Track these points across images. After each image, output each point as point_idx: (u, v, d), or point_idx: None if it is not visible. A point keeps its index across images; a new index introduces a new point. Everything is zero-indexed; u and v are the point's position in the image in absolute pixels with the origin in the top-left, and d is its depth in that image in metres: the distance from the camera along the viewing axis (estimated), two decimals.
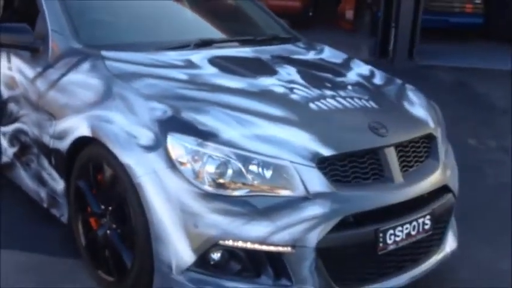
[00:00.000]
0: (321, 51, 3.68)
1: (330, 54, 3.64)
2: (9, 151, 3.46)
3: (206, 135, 2.43)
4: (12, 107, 3.38)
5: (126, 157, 2.50)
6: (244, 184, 2.40)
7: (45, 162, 3.09)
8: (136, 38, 3.32)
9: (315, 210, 2.40)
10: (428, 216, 2.70)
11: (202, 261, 2.41)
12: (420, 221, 2.67)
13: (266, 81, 2.90)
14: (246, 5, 4.15)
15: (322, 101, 2.77)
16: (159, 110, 2.54)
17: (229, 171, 2.40)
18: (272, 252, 2.40)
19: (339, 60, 3.53)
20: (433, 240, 2.83)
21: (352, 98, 2.87)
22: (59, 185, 3.02)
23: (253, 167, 2.41)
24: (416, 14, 8.35)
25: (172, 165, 2.40)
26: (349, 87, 3.00)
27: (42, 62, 3.15)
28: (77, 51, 3.03)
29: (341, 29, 12.12)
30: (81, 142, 2.76)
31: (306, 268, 2.41)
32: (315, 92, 2.84)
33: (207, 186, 2.38)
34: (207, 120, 2.50)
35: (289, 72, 3.06)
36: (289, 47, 3.61)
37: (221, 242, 2.37)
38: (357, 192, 2.51)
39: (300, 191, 2.42)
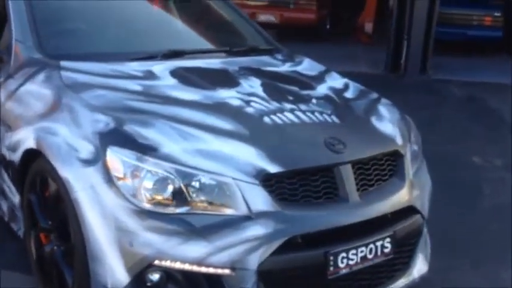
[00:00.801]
0: (299, 63, 3.55)
1: (306, 66, 3.51)
2: None
3: (145, 149, 2.32)
4: None
5: (64, 171, 2.41)
6: (184, 201, 2.28)
7: (5, 175, 3.03)
8: (106, 48, 3.24)
9: (257, 230, 2.27)
10: (388, 239, 2.53)
11: (138, 282, 2.29)
12: (378, 243, 2.50)
13: (223, 94, 2.78)
14: (229, 15, 4.05)
15: (279, 114, 2.64)
16: (102, 122, 2.45)
17: (168, 188, 2.28)
18: (211, 274, 2.27)
19: (313, 73, 3.39)
20: (397, 264, 2.66)
21: (312, 112, 2.73)
22: (16, 198, 2.95)
23: (193, 184, 2.29)
24: (429, 25, 8.15)
25: (110, 180, 2.30)
26: (314, 100, 2.87)
27: (4, 72, 3.10)
28: (36, 61, 2.97)
29: (359, 42, 11.96)
30: (30, 154, 2.69)
31: None
32: (273, 105, 2.72)
33: (145, 203, 2.27)
34: (149, 133, 2.39)
35: (252, 84, 2.94)
36: (264, 58, 3.50)
37: (157, 262, 2.25)
38: (305, 212, 2.36)
39: (242, 210, 2.29)
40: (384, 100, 3.22)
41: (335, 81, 3.31)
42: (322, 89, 3.10)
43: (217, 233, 2.24)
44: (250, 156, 2.37)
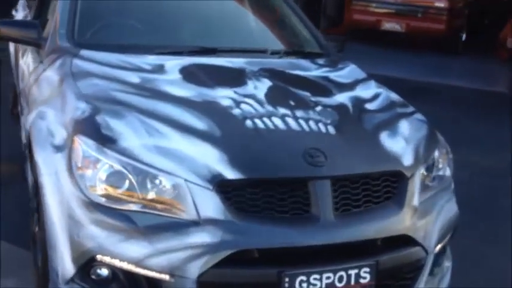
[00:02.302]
0: (338, 69, 3.31)
1: (343, 73, 3.25)
2: (24, 143, 3.60)
3: (105, 141, 2.27)
4: (21, 99, 3.53)
5: (38, 155, 2.44)
6: (135, 198, 2.20)
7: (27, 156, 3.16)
8: (137, 41, 3.25)
9: (201, 237, 2.12)
10: (366, 269, 2.25)
11: (83, 275, 2.24)
12: (352, 272, 2.24)
13: (219, 93, 2.65)
14: (287, 16, 3.88)
15: (265, 119, 2.46)
16: (80, 110, 2.44)
17: (121, 183, 2.21)
18: (151, 277, 2.16)
19: (345, 80, 3.13)
20: None
21: (307, 119, 2.51)
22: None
23: (146, 181, 2.20)
24: None
25: (70, 168, 2.29)
26: (318, 108, 2.63)
27: (39, 58, 3.23)
28: (62, 49, 3.05)
29: (498, 58, 11.02)
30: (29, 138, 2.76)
31: None
32: (265, 109, 2.54)
33: (96, 195, 2.22)
34: (116, 125, 2.34)
35: (259, 86, 2.77)
36: (300, 61, 3.30)
37: (99, 257, 2.19)
38: (263, 225, 2.17)
39: (190, 214, 2.16)
40: (416, 115, 2.89)
41: (366, 90, 3.03)
42: (340, 98, 2.84)
43: (160, 235, 2.14)
44: (211, 158, 2.23)
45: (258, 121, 2.44)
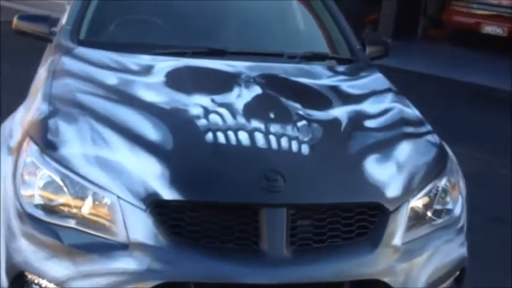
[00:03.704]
0: (357, 78, 2.95)
1: (361, 83, 2.89)
2: None
3: (48, 147, 2.11)
4: None
5: None
6: (68, 211, 2.02)
7: None
8: (142, 40, 3.06)
9: (127, 263, 1.91)
10: None
11: None
12: None
13: (194, 100, 2.39)
14: (320, 18, 3.55)
15: (230, 132, 2.18)
16: (39, 111, 2.30)
17: (57, 194, 2.04)
18: None
19: (358, 91, 2.75)
20: None
21: (280, 136, 2.20)
22: None
23: (80, 194, 2.01)
24: None
25: (15, 173, 2.15)
26: (301, 123, 2.30)
27: (46, 54, 3.16)
28: (61, 46, 2.94)
29: None
30: None
31: None
32: (236, 121, 2.25)
33: (32, 205, 2.05)
34: (64, 130, 2.17)
35: (243, 94, 2.48)
36: (312, 67, 2.95)
37: (27, 273, 2.03)
38: (198, 255, 1.91)
39: (120, 236, 1.95)
40: (428, 137, 2.49)
41: (376, 104, 2.65)
42: (338, 111, 2.49)
43: (85, 256, 1.94)
44: (150, 175, 2.00)
45: (220, 135, 2.17)
